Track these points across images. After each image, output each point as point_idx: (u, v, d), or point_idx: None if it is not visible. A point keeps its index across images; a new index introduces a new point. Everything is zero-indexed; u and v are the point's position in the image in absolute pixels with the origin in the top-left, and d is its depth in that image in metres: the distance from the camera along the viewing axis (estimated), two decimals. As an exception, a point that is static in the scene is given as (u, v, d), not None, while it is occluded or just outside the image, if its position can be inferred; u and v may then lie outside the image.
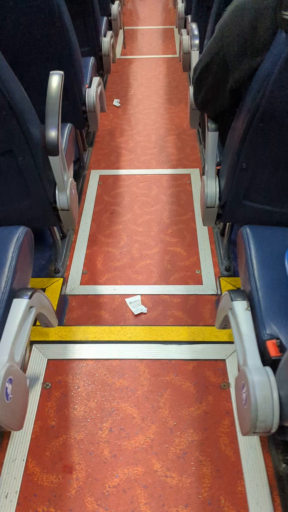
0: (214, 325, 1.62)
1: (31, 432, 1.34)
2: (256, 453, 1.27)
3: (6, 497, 1.21)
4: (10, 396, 0.96)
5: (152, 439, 1.32)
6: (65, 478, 1.24)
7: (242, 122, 1.19)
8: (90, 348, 1.56)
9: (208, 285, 1.83)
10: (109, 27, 3.22)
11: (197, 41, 2.20)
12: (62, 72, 1.47)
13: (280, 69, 1.00)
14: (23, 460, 1.28)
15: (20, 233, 1.26)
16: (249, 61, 1.10)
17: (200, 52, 2.19)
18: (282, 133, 1.16)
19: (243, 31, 1.08)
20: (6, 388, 0.94)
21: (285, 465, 1.23)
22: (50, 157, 1.46)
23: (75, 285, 1.86)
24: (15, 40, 1.73)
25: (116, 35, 3.41)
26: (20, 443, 1.31)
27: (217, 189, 1.52)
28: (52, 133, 1.42)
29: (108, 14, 3.26)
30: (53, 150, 1.43)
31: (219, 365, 1.50)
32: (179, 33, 3.40)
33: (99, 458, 1.28)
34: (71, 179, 1.64)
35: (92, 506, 1.19)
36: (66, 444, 1.31)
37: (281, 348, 0.99)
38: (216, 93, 1.31)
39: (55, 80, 1.46)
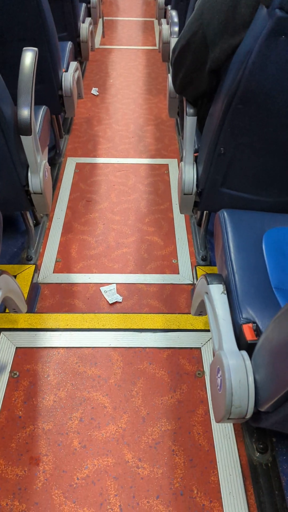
0: (190, 313, 1.59)
1: (-4, 422, 1.28)
2: (230, 442, 1.25)
3: None
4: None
5: (124, 429, 1.28)
6: (31, 470, 1.19)
7: (221, 104, 1.15)
8: (61, 336, 1.50)
9: (185, 274, 1.80)
10: (88, 14, 3.15)
11: (176, 28, 2.16)
12: (36, 49, 1.41)
13: (260, 45, 0.97)
14: (-13, 452, 1.22)
15: (-14, 213, 1.20)
16: (229, 38, 1.07)
17: (180, 39, 2.15)
18: (261, 116, 1.13)
19: (224, 8, 1.04)
20: None
21: (258, 454, 1.21)
22: (22, 137, 1.40)
23: (48, 273, 1.80)
24: None
25: (95, 23, 3.34)
26: (-16, 434, 1.25)
27: (195, 176, 1.49)
28: (25, 112, 1.36)
29: (87, 1, 3.19)
30: (25, 129, 1.37)
31: (194, 353, 1.46)
32: (158, 24, 3.36)
33: (68, 449, 1.23)
34: (44, 161, 1.58)
35: (59, 499, 1.14)
36: (33, 435, 1.25)
37: (257, 332, 0.96)
38: (195, 74, 1.27)
39: (29, 56, 1.40)
